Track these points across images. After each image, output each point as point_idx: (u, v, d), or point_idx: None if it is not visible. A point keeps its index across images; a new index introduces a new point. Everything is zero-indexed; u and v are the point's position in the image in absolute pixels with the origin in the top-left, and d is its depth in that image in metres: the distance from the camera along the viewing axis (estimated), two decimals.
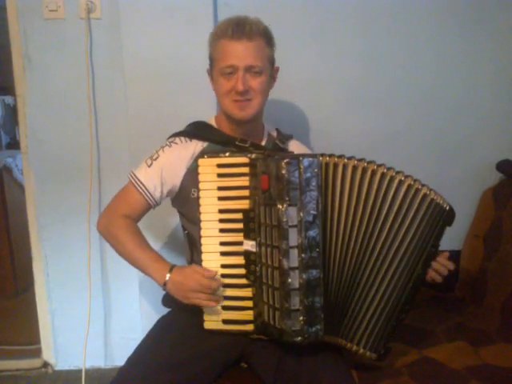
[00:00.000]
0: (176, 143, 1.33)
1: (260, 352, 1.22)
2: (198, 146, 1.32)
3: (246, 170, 1.16)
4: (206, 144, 1.33)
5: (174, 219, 1.84)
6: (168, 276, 1.19)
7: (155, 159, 1.31)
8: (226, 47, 1.23)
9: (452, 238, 1.92)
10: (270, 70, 1.30)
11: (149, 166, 1.30)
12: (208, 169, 1.18)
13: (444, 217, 1.17)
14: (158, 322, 1.35)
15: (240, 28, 1.22)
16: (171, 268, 1.20)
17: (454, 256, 1.85)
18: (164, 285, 1.20)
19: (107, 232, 1.33)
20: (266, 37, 1.27)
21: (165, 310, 1.37)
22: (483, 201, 1.87)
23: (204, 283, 1.15)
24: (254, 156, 1.17)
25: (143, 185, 1.29)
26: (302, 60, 1.86)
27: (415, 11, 1.84)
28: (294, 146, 1.45)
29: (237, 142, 1.30)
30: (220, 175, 1.18)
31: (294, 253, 1.07)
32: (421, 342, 1.47)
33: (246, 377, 1.26)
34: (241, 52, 1.22)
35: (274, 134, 1.44)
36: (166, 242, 1.86)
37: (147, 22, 1.74)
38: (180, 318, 1.29)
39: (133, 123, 1.80)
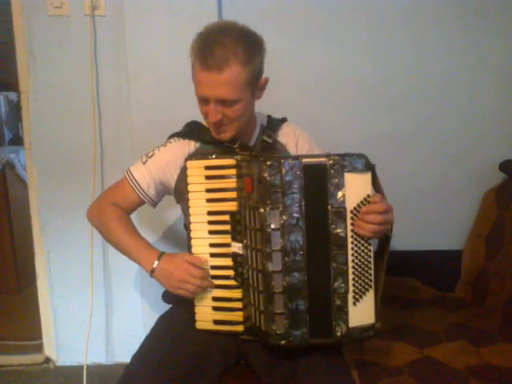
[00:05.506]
0: (171, 142, 1.33)
1: (257, 351, 1.22)
2: (191, 146, 1.32)
3: (232, 171, 1.16)
4: (198, 144, 1.32)
5: (174, 219, 1.85)
6: (156, 263, 1.18)
7: (150, 157, 1.31)
8: (197, 74, 1.14)
9: (454, 238, 1.93)
10: (249, 93, 1.18)
11: (143, 164, 1.30)
12: (196, 171, 1.18)
13: None
14: (160, 319, 1.35)
15: (209, 57, 1.10)
16: (160, 255, 1.20)
17: (456, 256, 1.89)
18: (151, 272, 1.19)
19: (96, 218, 1.33)
20: (243, 57, 1.11)
21: (166, 308, 1.38)
22: (486, 201, 1.87)
23: (193, 272, 1.15)
24: (239, 158, 1.16)
25: (137, 182, 1.30)
26: (308, 60, 1.86)
27: (423, 13, 1.85)
28: (285, 134, 1.37)
29: (225, 143, 1.28)
30: (208, 177, 1.17)
31: (277, 256, 1.05)
32: (422, 341, 1.47)
33: (245, 375, 1.26)
34: (211, 84, 1.12)
35: (265, 125, 1.37)
36: (166, 242, 1.87)
37: (151, 20, 1.74)
38: (181, 315, 1.28)
39: (135, 120, 1.80)
